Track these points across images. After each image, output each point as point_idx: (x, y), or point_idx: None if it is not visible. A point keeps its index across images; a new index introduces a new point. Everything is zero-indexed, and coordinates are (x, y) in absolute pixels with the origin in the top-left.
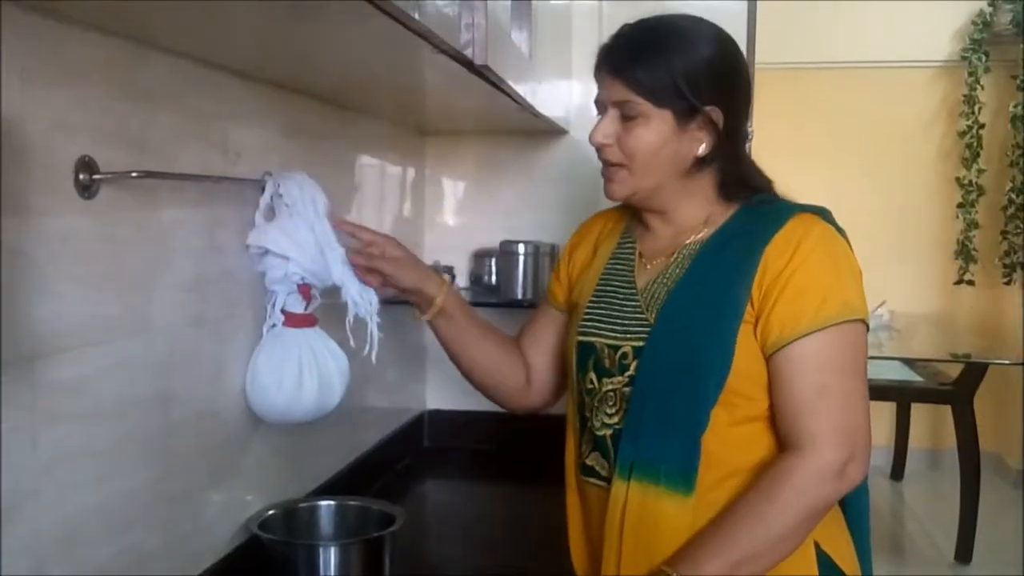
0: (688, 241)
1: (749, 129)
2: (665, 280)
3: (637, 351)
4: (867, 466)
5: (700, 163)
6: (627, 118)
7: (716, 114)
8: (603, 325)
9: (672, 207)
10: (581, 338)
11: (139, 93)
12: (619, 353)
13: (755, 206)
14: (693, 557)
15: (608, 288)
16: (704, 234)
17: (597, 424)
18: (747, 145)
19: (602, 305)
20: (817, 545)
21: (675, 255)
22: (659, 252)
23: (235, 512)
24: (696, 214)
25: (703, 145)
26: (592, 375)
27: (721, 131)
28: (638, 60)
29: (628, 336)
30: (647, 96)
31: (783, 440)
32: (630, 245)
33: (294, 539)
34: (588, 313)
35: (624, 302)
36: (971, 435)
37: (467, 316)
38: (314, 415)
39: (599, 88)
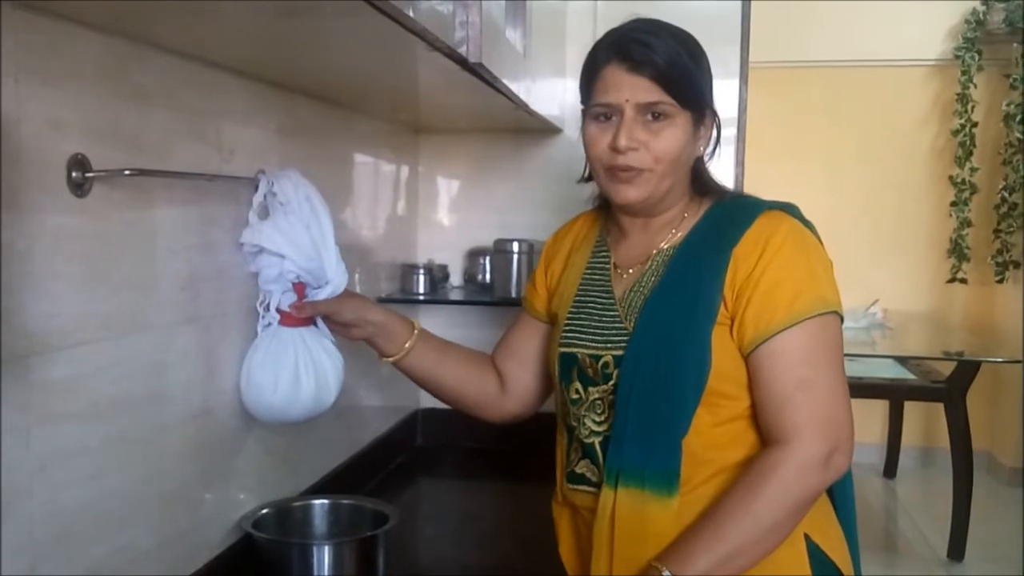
0: (662, 246)
1: None
2: (641, 288)
3: (618, 360)
4: (851, 456)
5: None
6: (655, 118)
7: (712, 117)
8: (584, 336)
9: (665, 208)
10: (563, 349)
11: (133, 91)
12: (601, 363)
13: (723, 204)
14: (683, 553)
15: (587, 299)
16: (677, 238)
17: (585, 432)
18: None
19: (582, 316)
20: (807, 537)
21: (649, 262)
22: (634, 260)
23: (228, 511)
24: (674, 215)
25: (703, 146)
26: (577, 384)
27: (716, 132)
28: (666, 58)
29: (609, 345)
30: (676, 96)
31: (766, 435)
32: (604, 254)
33: (287, 538)
34: (568, 324)
35: (603, 312)
36: (964, 433)
37: (434, 350)
38: (310, 414)
39: (611, 90)
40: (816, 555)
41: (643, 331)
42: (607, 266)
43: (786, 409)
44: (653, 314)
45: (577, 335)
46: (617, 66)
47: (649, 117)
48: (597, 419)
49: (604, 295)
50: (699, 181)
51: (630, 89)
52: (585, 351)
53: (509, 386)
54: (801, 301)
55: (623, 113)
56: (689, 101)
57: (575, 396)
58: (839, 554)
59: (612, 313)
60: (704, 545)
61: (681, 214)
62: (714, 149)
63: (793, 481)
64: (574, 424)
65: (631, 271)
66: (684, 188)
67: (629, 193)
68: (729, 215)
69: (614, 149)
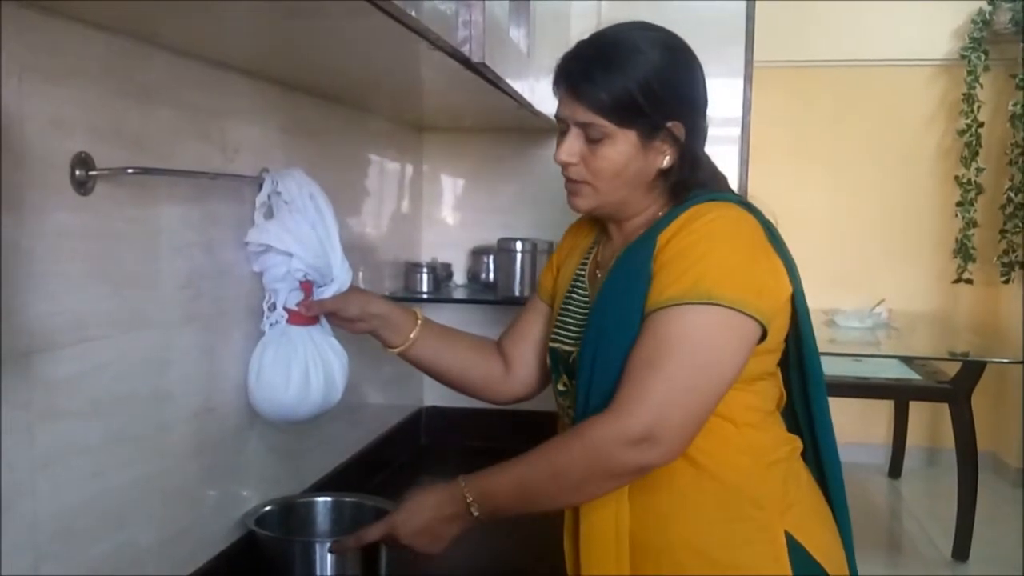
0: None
1: (706, 127)
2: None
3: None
4: (669, 454)
5: (663, 174)
6: (591, 139)
7: (678, 128)
8: (563, 332)
9: (632, 215)
10: (551, 344)
11: (137, 89)
12: (571, 357)
13: (681, 203)
14: (488, 475)
15: (571, 297)
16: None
17: (568, 421)
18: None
19: (567, 313)
20: (788, 535)
21: (613, 261)
22: (608, 261)
23: (231, 508)
24: (646, 219)
25: (666, 159)
26: (564, 377)
27: (683, 144)
28: (598, 82)
29: (576, 341)
30: (610, 118)
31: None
32: (593, 253)
33: (290, 536)
34: (556, 321)
35: (577, 309)
36: (969, 433)
37: (438, 338)
38: (319, 412)
39: (560, 104)
40: (798, 554)
41: (590, 326)
42: (591, 264)
43: (625, 380)
44: (599, 309)
45: (559, 331)
46: (560, 85)
47: (590, 134)
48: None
49: (582, 293)
50: (676, 190)
51: (569, 109)
52: (564, 347)
53: (515, 369)
54: (676, 286)
55: (569, 128)
56: (631, 121)
57: (561, 388)
58: (827, 554)
59: (583, 310)
60: (507, 475)
61: (653, 217)
62: (683, 160)
63: (595, 445)
64: (561, 414)
65: (604, 271)
66: (650, 197)
67: (576, 203)
68: (675, 209)
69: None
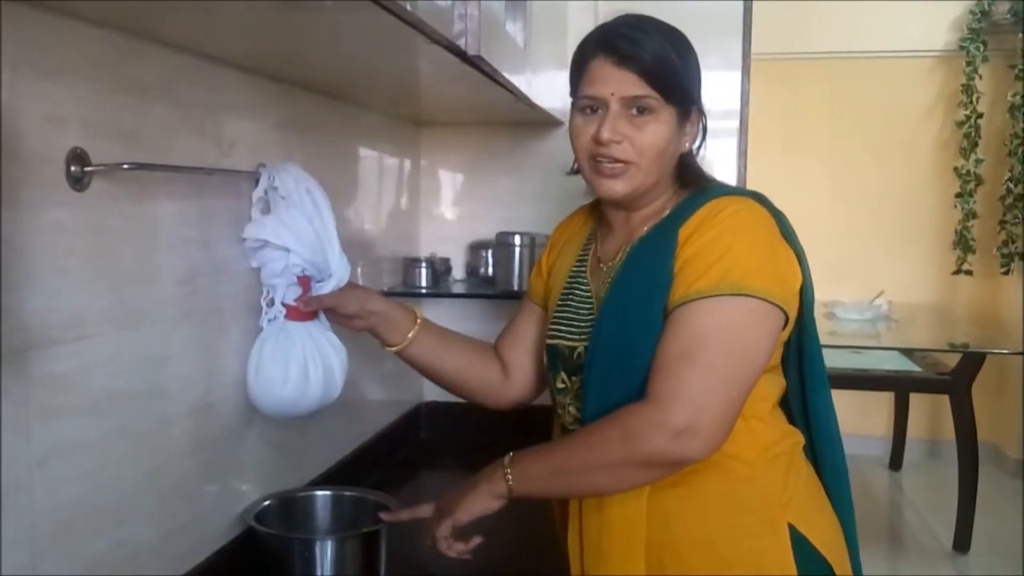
0: (635, 239)
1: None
2: (611, 280)
3: (586, 350)
4: (709, 446)
5: (679, 159)
6: (640, 112)
7: (697, 114)
8: (564, 328)
9: (648, 202)
10: (549, 341)
11: (132, 85)
12: (575, 353)
13: (692, 194)
14: (527, 453)
15: (570, 291)
16: (646, 230)
17: (569, 419)
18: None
19: (567, 309)
20: (792, 527)
21: (620, 255)
22: (613, 253)
23: (231, 504)
24: (655, 208)
25: (689, 142)
26: (563, 374)
27: (702, 129)
28: (647, 48)
29: (582, 337)
30: (660, 89)
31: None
32: (591, 247)
33: (290, 531)
34: (554, 317)
35: (580, 304)
36: (969, 425)
37: (436, 339)
38: (318, 407)
39: (595, 82)
40: (802, 546)
41: (602, 320)
42: (591, 258)
43: (660, 373)
44: (612, 303)
45: (559, 327)
46: (604, 60)
47: (634, 111)
48: (577, 407)
49: (583, 288)
50: (683, 176)
51: (616, 83)
52: (564, 343)
53: (512, 373)
54: (708, 278)
55: (608, 106)
56: (674, 96)
57: (561, 386)
58: (830, 547)
59: (588, 306)
60: (543, 455)
61: (662, 208)
62: (700, 145)
63: (633, 433)
64: (560, 412)
65: (610, 263)
66: (668, 183)
67: (615, 187)
68: (690, 202)
69: (597, 141)
